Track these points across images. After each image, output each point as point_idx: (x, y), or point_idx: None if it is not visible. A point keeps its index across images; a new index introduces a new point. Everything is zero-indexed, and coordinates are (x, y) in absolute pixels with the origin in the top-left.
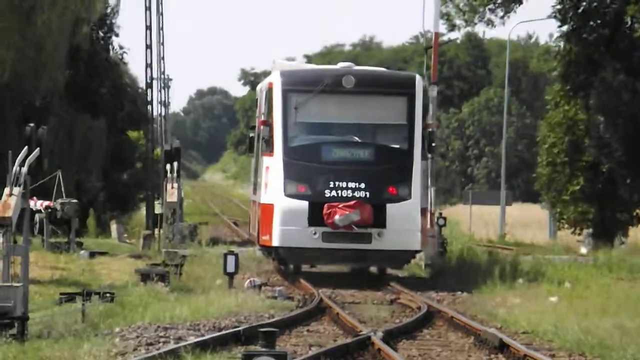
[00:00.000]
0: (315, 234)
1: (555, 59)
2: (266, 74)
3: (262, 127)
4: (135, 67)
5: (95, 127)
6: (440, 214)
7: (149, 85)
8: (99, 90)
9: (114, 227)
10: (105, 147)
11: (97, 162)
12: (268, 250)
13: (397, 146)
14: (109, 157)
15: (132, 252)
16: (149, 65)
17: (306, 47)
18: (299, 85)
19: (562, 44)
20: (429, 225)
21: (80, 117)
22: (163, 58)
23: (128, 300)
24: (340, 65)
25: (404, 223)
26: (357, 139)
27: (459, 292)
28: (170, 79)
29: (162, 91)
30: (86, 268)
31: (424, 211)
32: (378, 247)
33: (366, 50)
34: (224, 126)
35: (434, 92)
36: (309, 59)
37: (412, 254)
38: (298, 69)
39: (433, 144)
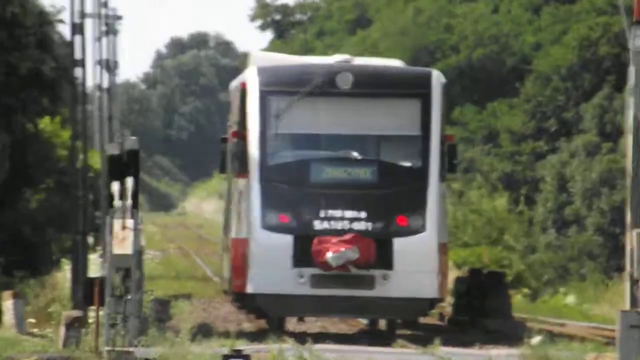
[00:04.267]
0: (301, 277)
1: None
2: (304, 6)
3: (234, 140)
4: None
5: None
6: None
7: (78, 27)
8: None
9: (9, 304)
10: None
11: None
12: (242, 298)
13: (408, 164)
14: (5, 167)
15: (43, 352)
16: None
17: None
18: (280, 86)
19: None
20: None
21: None
22: None
23: None
24: (335, 58)
25: (417, 263)
26: (355, 154)
27: None
28: (119, 18)
29: (103, 40)
30: None
31: (442, 247)
32: (383, 294)
33: None
34: (221, 108)
35: (638, 40)
36: None
37: (428, 303)
38: (280, 65)
39: (455, 161)
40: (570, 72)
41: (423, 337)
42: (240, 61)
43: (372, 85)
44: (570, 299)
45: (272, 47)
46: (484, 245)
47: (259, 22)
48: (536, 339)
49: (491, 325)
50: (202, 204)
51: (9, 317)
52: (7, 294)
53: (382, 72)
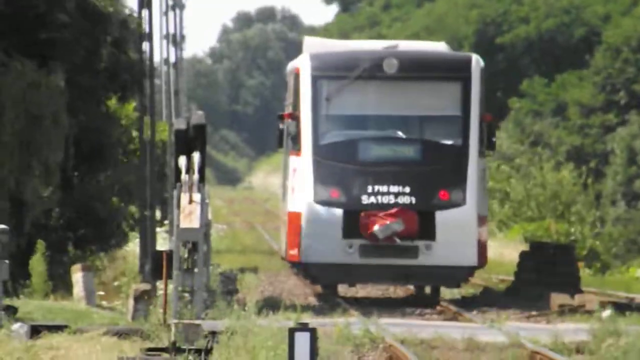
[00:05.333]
0: (350, 247)
1: None
2: None
3: (288, 120)
4: None
5: (47, 83)
6: None
7: (145, 1)
8: (51, 15)
9: (78, 276)
10: (66, 123)
11: (51, 154)
12: (297, 266)
13: (450, 142)
14: (73, 144)
15: (112, 324)
16: None
17: None
18: (331, 71)
19: None
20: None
21: (17, 64)
22: None
23: None
24: (382, 44)
25: (458, 234)
26: (400, 134)
27: None
28: None
29: (170, 14)
30: (23, 358)
31: (481, 219)
32: (426, 262)
33: None
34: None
35: None
36: None
37: (469, 271)
38: (331, 51)
39: (493, 139)
40: None
41: (490, 311)
42: (305, 36)
43: (416, 70)
44: (637, 272)
45: (337, 20)
46: (550, 219)
47: None
48: (606, 313)
49: (559, 299)
50: (268, 178)
51: (78, 289)
52: (76, 267)
53: (426, 57)
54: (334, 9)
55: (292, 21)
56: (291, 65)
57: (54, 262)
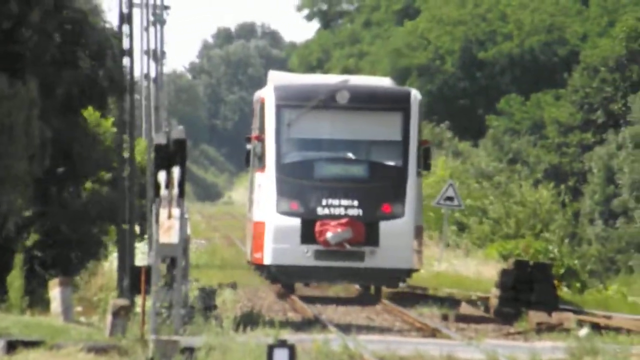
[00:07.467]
0: (307, 251)
1: None
2: None
3: (255, 142)
4: None
5: (19, 96)
6: None
7: (126, 17)
8: (23, 23)
9: (56, 292)
10: (37, 133)
11: (25, 169)
12: (260, 268)
13: (392, 163)
14: (49, 158)
15: (90, 340)
16: None
17: None
18: (292, 100)
19: None
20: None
21: None
22: None
23: None
24: (336, 78)
25: (397, 241)
26: (350, 155)
27: None
28: (166, 7)
29: (151, 29)
30: None
31: (418, 229)
32: (370, 265)
33: None
34: None
35: None
36: None
37: (406, 273)
38: (292, 83)
39: (428, 161)
40: (618, 63)
41: (468, 329)
42: (286, 52)
43: (364, 101)
44: (613, 289)
45: (318, 37)
46: (528, 237)
47: (305, 12)
48: (583, 331)
49: (537, 317)
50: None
51: (56, 305)
52: (54, 282)
53: (372, 91)
54: (315, 25)
55: (272, 37)
56: (257, 95)
57: (32, 277)
